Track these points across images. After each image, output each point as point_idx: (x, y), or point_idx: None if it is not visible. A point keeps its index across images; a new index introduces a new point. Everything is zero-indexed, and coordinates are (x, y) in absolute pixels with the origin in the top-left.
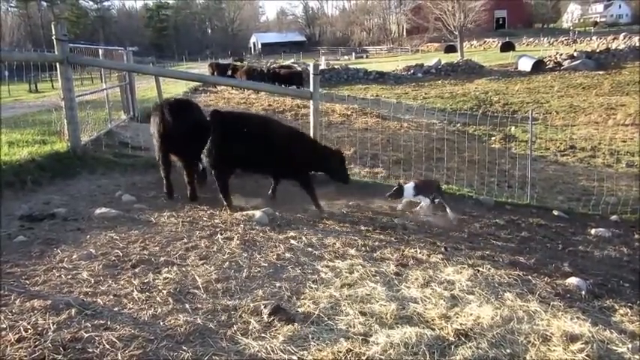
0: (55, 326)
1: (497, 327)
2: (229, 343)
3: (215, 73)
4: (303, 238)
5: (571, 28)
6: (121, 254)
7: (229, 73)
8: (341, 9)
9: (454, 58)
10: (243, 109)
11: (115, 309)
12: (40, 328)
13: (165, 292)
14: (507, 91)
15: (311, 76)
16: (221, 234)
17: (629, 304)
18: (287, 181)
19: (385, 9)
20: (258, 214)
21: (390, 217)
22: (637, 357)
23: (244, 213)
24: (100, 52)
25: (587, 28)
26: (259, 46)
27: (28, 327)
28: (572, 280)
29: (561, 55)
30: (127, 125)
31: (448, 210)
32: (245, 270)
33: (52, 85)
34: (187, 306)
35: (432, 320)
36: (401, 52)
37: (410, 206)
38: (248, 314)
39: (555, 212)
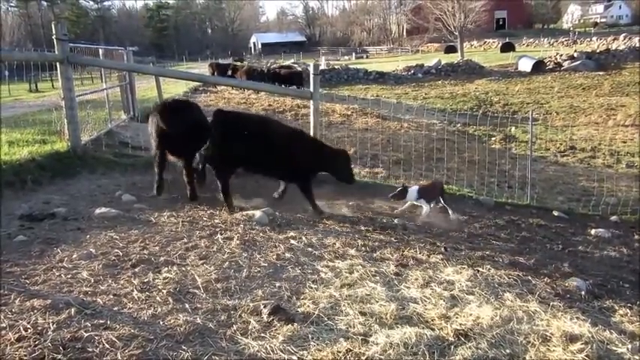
0: (54, 325)
1: (496, 327)
2: (229, 343)
3: (215, 73)
4: (303, 238)
5: (571, 28)
6: (121, 254)
7: (229, 73)
8: (341, 9)
9: (454, 58)
10: (243, 109)
11: (115, 308)
12: (39, 328)
13: (165, 291)
14: (507, 92)
15: (311, 76)
16: (221, 234)
17: (628, 305)
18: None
19: (385, 9)
20: (258, 214)
21: (390, 217)
22: (637, 357)
23: (244, 213)
24: (100, 51)
25: (587, 28)
26: (259, 46)
27: (28, 326)
28: (572, 281)
29: (561, 55)
30: (127, 125)
31: (450, 212)
32: (245, 270)
33: (53, 85)
34: (187, 306)
35: (432, 320)
36: (401, 53)
37: (411, 209)
38: (248, 314)
39: (555, 213)
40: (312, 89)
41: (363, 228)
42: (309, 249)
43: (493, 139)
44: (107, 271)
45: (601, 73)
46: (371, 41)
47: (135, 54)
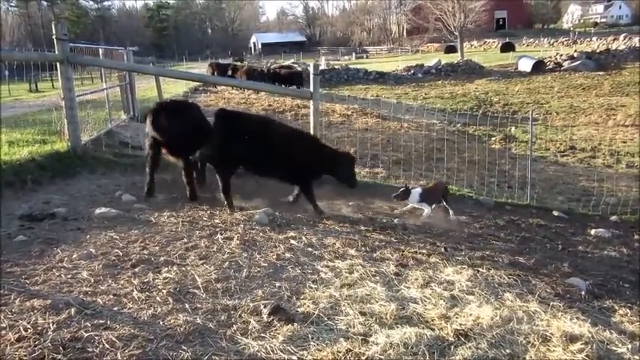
0: (54, 326)
1: (496, 327)
2: (229, 343)
3: (215, 73)
4: (303, 238)
5: (571, 28)
6: (121, 254)
7: (229, 73)
8: (341, 9)
9: (454, 58)
10: (243, 109)
11: (115, 308)
12: (39, 328)
13: (165, 291)
14: (507, 92)
15: (311, 76)
16: (221, 234)
17: (628, 305)
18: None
19: (385, 9)
20: (258, 214)
21: (390, 217)
22: (637, 357)
23: (244, 213)
24: (101, 51)
25: (587, 28)
26: (259, 46)
27: (28, 326)
28: (572, 281)
29: (561, 55)
30: (127, 125)
31: (450, 212)
32: (245, 270)
33: (53, 85)
34: (187, 306)
35: (432, 320)
36: (401, 53)
37: (411, 209)
38: (248, 314)
39: (555, 213)
40: (312, 89)
41: (363, 228)
42: (309, 249)
43: (493, 139)
44: (107, 271)
45: (601, 73)
46: (371, 41)
47: (135, 54)
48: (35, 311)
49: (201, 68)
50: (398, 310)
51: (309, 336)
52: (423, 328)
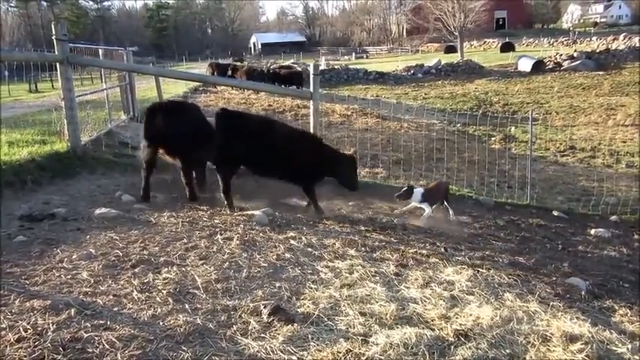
0: (54, 326)
1: (496, 327)
2: (229, 344)
3: (215, 73)
4: (303, 238)
5: (571, 28)
6: (121, 254)
7: (229, 73)
8: (341, 9)
9: (454, 58)
10: (243, 109)
11: (115, 309)
12: (39, 328)
13: (164, 292)
14: (507, 92)
15: (311, 76)
16: (221, 234)
17: (628, 305)
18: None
19: (385, 9)
20: (258, 214)
21: (390, 217)
22: (637, 357)
23: (244, 213)
24: (100, 52)
25: (587, 28)
26: (259, 46)
27: (28, 327)
28: (572, 281)
29: (561, 55)
30: (127, 125)
31: (451, 212)
32: (245, 270)
33: (52, 85)
34: (187, 306)
35: (432, 320)
36: (401, 53)
37: (412, 209)
38: (248, 314)
39: (555, 212)
40: (312, 89)
41: (363, 228)
42: (309, 249)
43: (493, 139)
44: (107, 271)
45: (601, 72)
46: (371, 41)
47: (135, 54)
48: (35, 312)
49: (201, 68)
50: (398, 311)
51: (309, 336)
52: (423, 328)
